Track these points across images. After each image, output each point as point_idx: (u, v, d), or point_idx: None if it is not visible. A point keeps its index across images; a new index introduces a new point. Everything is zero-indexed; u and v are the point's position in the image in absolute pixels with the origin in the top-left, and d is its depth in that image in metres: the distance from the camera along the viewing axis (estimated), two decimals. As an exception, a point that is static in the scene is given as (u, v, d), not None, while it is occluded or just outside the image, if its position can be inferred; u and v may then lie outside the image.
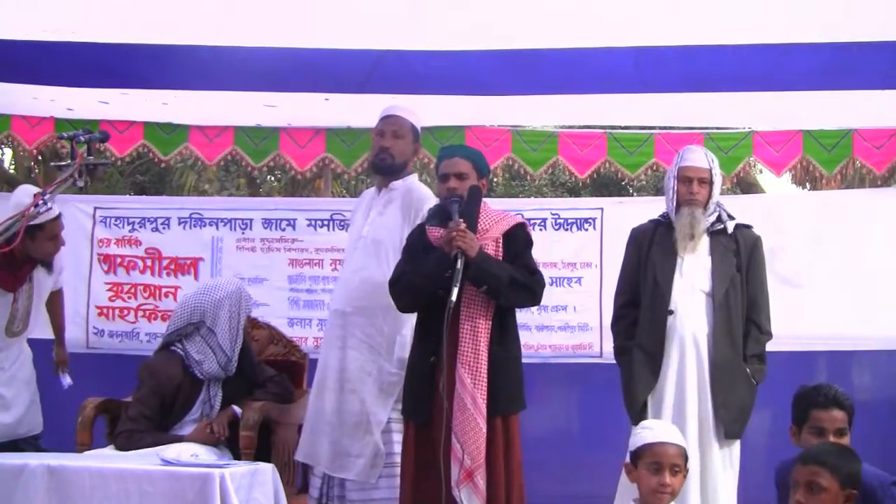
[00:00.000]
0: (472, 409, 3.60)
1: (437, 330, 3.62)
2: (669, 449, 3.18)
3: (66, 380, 5.01)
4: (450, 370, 3.64)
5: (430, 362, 3.68)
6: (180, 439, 3.98)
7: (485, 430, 3.61)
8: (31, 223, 3.98)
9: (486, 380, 3.64)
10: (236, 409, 4.13)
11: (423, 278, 3.73)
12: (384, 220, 4.18)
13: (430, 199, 4.15)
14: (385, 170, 4.23)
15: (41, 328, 4.94)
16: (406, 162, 4.29)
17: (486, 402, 3.62)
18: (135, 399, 4.12)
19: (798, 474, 2.93)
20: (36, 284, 4.63)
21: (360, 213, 4.32)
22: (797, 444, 3.29)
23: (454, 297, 3.54)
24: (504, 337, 3.76)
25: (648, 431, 3.26)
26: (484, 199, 3.90)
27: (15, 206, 4.34)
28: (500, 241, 3.81)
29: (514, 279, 3.71)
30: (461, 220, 3.67)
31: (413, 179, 4.30)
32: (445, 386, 3.62)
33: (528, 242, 3.88)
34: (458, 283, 3.56)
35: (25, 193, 4.43)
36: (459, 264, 3.60)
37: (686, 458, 3.24)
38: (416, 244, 3.86)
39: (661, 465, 3.15)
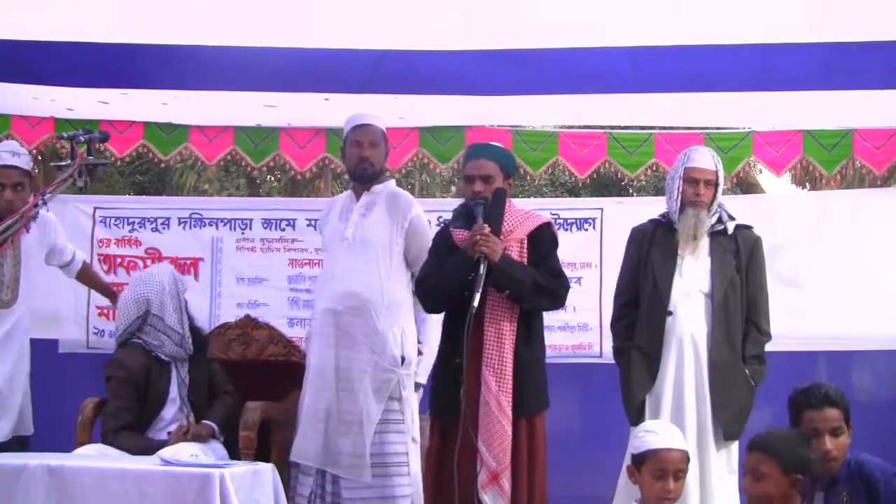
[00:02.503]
0: (496, 411, 3.61)
1: (462, 332, 3.62)
2: (674, 455, 3.18)
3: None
4: (475, 373, 3.64)
5: (456, 363, 3.65)
6: (162, 445, 3.99)
7: (510, 432, 3.61)
8: None
9: (511, 382, 3.64)
10: (214, 426, 4.16)
11: (446, 281, 3.74)
12: (370, 222, 4.22)
13: (415, 205, 4.27)
14: (367, 178, 4.30)
15: (40, 327, 4.90)
16: (383, 167, 4.40)
17: (510, 404, 3.62)
18: (110, 395, 4.14)
19: (745, 462, 3.04)
20: (23, 250, 4.47)
21: (335, 217, 4.35)
22: None
23: (476, 303, 3.54)
24: (530, 338, 3.76)
25: (653, 436, 3.24)
26: (510, 199, 3.90)
27: None
28: (525, 241, 3.80)
29: (538, 283, 3.70)
30: (485, 224, 3.67)
31: (393, 184, 4.39)
32: (467, 389, 3.61)
33: (554, 243, 3.88)
34: (480, 288, 3.57)
35: (7, 147, 4.40)
36: (482, 269, 3.60)
37: (688, 460, 3.23)
38: (442, 246, 3.88)
39: (665, 472, 3.15)
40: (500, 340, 3.67)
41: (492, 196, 3.79)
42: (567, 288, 3.84)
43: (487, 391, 3.63)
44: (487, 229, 3.66)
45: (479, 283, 3.57)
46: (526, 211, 3.93)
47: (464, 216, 3.84)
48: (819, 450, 3.09)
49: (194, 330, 4.38)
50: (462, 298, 3.63)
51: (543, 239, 3.84)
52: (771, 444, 3.03)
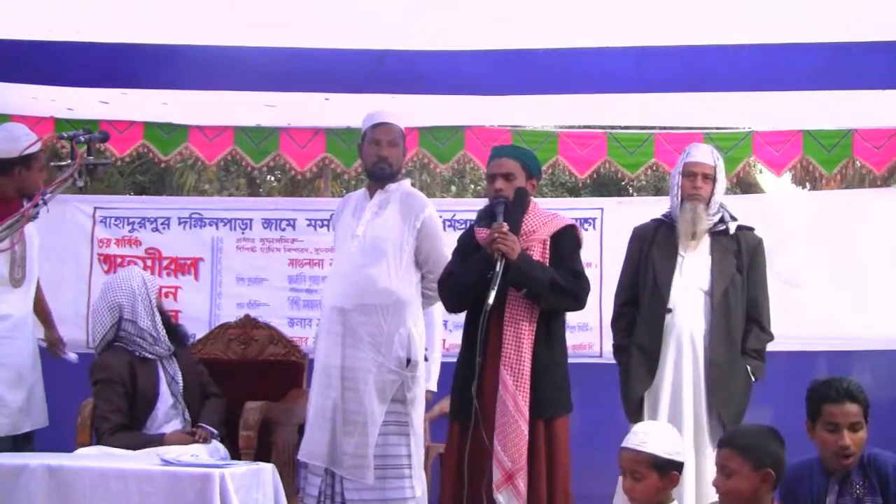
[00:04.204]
0: (513, 411, 3.59)
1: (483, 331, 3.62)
2: (624, 454, 3.19)
3: (71, 356, 4.79)
4: (493, 372, 3.64)
5: (476, 363, 3.65)
6: (159, 438, 4.00)
7: (527, 433, 3.59)
8: (27, 153, 4.08)
9: (528, 383, 3.63)
10: (213, 430, 4.16)
11: (466, 279, 3.75)
12: (382, 221, 4.18)
13: (429, 205, 4.22)
14: (385, 177, 4.25)
15: (40, 328, 4.84)
16: (401, 166, 4.34)
17: (528, 404, 3.61)
18: (97, 399, 4.13)
19: (715, 458, 3.07)
20: (26, 234, 4.33)
21: (348, 215, 4.32)
22: (812, 439, 3.25)
23: (490, 300, 3.54)
24: (550, 339, 3.75)
25: (628, 434, 3.25)
26: (534, 200, 3.89)
27: (6, 139, 4.22)
28: (548, 242, 3.79)
29: (556, 283, 3.68)
30: (504, 222, 3.67)
31: (408, 183, 4.35)
32: (486, 389, 3.62)
33: (577, 244, 3.86)
34: (495, 286, 3.56)
35: (17, 128, 4.35)
36: (498, 267, 3.60)
37: (649, 463, 3.14)
38: (467, 245, 3.87)
39: (623, 470, 3.19)
40: (519, 340, 3.66)
41: (514, 195, 3.79)
42: (588, 289, 3.80)
43: (504, 390, 3.62)
44: (506, 227, 3.65)
45: (496, 282, 3.57)
46: (551, 212, 3.91)
47: (487, 216, 3.83)
48: (836, 444, 3.08)
49: (172, 327, 4.38)
50: (483, 297, 3.62)
51: (566, 240, 3.82)
52: (740, 440, 3.05)
